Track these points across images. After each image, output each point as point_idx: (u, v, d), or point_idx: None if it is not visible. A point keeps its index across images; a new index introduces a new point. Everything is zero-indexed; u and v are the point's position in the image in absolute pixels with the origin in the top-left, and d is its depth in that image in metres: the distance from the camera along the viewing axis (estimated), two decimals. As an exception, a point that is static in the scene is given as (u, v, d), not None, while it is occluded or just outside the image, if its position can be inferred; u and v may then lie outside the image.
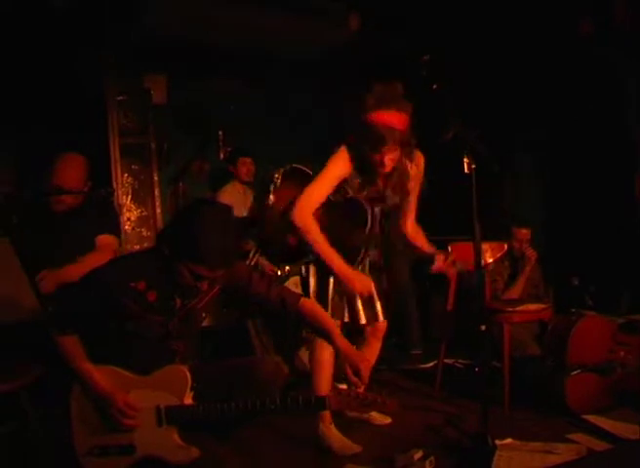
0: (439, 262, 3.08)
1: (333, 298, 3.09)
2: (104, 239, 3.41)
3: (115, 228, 3.59)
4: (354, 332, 3.32)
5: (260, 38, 5.18)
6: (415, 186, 3.20)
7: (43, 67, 4.76)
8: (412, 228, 3.33)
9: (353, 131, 3.01)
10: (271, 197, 3.20)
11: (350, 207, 3.07)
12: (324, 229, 2.99)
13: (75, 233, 3.34)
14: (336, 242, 3.00)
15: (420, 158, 3.18)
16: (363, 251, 3.15)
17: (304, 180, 3.12)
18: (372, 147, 2.92)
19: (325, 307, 2.98)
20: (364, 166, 3.00)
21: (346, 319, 3.11)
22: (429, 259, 3.10)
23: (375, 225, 3.13)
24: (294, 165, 3.31)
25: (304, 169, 3.27)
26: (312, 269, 3.14)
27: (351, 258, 3.09)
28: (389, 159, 2.95)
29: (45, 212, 3.35)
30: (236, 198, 5.03)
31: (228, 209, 2.50)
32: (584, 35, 4.66)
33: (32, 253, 3.12)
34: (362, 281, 3.02)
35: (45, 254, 3.22)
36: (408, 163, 3.11)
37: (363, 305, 3.14)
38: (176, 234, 2.34)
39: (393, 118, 2.89)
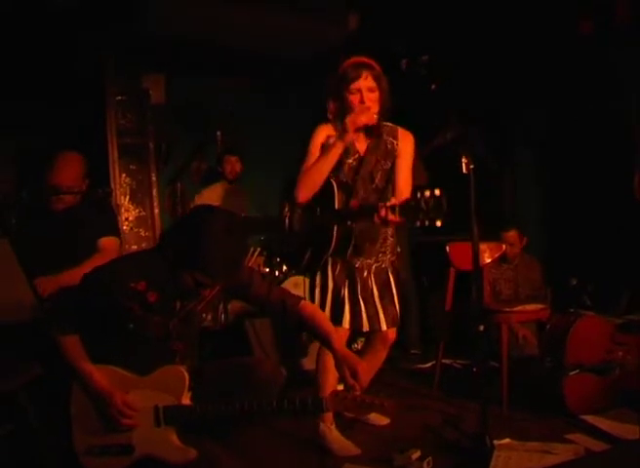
0: (381, 211, 2.67)
1: (332, 304, 3.08)
2: (107, 241, 3.42)
3: (115, 229, 3.59)
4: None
5: (259, 37, 5.18)
6: (402, 161, 3.15)
7: (42, 67, 4.76)
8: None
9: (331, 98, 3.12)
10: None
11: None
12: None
13: (74, 233, 3.35)
14: None
15: (406, 135, 3.18)
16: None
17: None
18: (347, 83, 3.00)
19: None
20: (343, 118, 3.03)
21: (346, 325, 3.08)
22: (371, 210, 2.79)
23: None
24: None
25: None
26: (318, 279, 3.13)
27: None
28: (367, 91, 3.00)
29: (43, 211, 3.35)
30: (218, 198, 5.04)
31: (234, 217, 2.50)
32: (585, 34, 4.66)
33: (31, 252, 3.12)
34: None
35: (43, 254, 3.22)
36: (391, 140, 3.13)
37: (366, 312, 3.12)
38: (180, 242, 2.33)
39: (362, 58, 3.05)
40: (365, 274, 3.13)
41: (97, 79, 5.09)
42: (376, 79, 3.01)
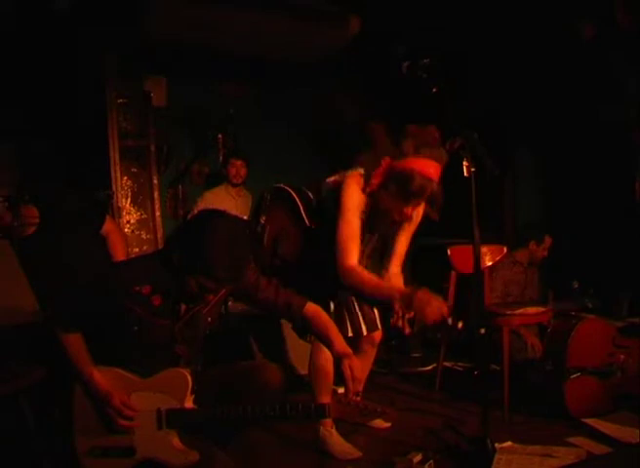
0: (395, 316, 2.73)
1: (336, 316, 3.05)
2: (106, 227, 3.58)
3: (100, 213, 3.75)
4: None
5: (260, 41, 5.18)
6: (410, 228, 3.15)
7: (44, 70, 4.76)
8: (392, 274, 3.17)
9: (384, 174, 2.89)
10: (262, 217, 3.16)
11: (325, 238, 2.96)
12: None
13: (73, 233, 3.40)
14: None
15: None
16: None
17: (292, 204, 3.09)
18: (404, 198, 2.83)
19: None
20: (374, 213, 2.92)
21: (350, 334, 3.07)
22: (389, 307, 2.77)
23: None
24: (281, 185, 3.19)
25: (291, 192, 3.14)
26: None
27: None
28: (413, 210, 2.89)
29: None
30: (221, 201, 5.04)
31: (240, 222, 2.49)
32: (588, 39, 4.66)
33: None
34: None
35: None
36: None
37: (363, 317, 3.14)
38: (185, 247, 2.33)
39: (432, 169, 2.80)
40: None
41: (98, 81, 5.09)
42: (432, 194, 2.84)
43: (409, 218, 2.95)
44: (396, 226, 3.06)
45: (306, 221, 3.04)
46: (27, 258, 3.06)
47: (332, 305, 3.07)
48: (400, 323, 2.69)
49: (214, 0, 4.74)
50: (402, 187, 2.81)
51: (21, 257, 3.06)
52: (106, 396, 2.37)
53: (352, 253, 2.85)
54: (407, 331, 2.69)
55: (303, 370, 4.02)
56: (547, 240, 4.65)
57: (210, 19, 4.81)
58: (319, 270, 2.96)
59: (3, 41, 4.50)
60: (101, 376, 2.40)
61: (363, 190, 2.92)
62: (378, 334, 3.30)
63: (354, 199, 2.90)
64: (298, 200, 3.08)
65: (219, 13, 4.79)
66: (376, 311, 3.20)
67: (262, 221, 3.09)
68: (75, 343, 2.41)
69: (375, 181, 2.90)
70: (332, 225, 2.92)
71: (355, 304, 3.13)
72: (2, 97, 4.66)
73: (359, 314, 3.13)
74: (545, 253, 4.65)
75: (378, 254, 3.16)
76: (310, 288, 2.77)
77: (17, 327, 2.88)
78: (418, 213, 3.02)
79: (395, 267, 3.19)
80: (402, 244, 3.19)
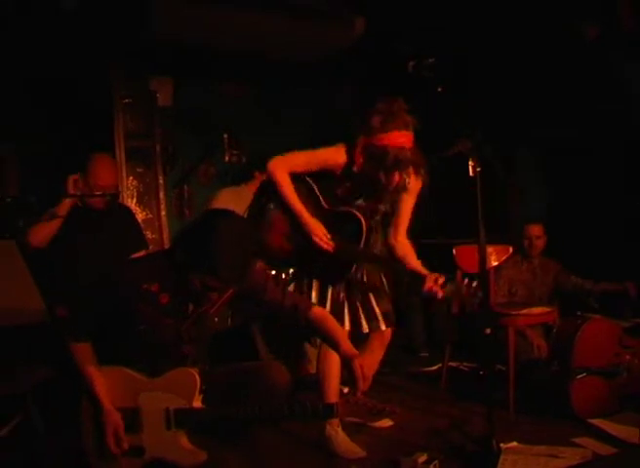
0: (429, 283, 2.86)
1: (332, 307, 3.09)
2: None
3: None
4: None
5: (264, 41, 5.19)
6: (409, 199, 3.19)
7: (49, 70, 4.77)
8: (401, 243, 3.25)
9: (363, 152, 2.99)
10: (272, 204, 3.19)
11: (345, 220, 3.06)
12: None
13: (113, 232, 3.52)
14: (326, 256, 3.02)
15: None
16: (355, 266, 3.13)
17: (309, 188, 3.14)
18: (386, 170, 2.92)
19: None
20: (365, 182, 3.02)
21: (347, 327, 3.09)
22: (420, 279, 2.91)
23: (368, 240, 3.08)
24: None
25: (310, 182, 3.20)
26: (315, 284, 3.14)
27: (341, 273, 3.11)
28: (400, 176, 2.97)
29: (80, 211, 3.45)
30: (238, 200, 5.02)
31: (245, 222, 2.50)
32: (591, 40, 4.66)
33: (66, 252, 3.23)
34: (318, 230, 3.00)
35: (83, 253, 3.35)
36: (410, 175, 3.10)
37: (364, 313, 3.16)
38: (190, 246, 2.34)
39: (403, 138, 2.88)
40: (359, 275, 3.17)
41: (104, 82, 5.11)
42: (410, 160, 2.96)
43: (400, 184, 3.01)
44: (396, 194, 3.12)
45: (324, 203, 3.12)
46: (41, 265, 3.08)
47: (342, 293, 3.13)
48: (433, 288, 2.82)
49: (214, 0, 4.74)
50: (380, 162, 2.92)
51: (33, 265, 3.07)
52: (105, 413, 2.37)
53: (286, 166, 3.06)
54: (440, 294, 2.81)
55: (304, 372, 4.05)
56: (533, 229, 4.54)
57: (210, 20, 4.82)
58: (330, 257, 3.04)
59: (8, 41, 4.51)
60: (108, 378, 2.40)
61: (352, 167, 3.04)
62: (387, 335, 3.30)
63: (330, 154, 3.09)
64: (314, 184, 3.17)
65: (219, 13, 4.79)
66: (378, 310, 3.21)
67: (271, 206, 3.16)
68: (84, 352, 2.41)
69: (358, 160, 3.01)
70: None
71: (372, 299, 3.17)
72: (7, 98, 4.67)
73: (376, 309, 3.17)
74: (540, 244, 4.56)
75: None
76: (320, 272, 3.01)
77: (20, 327, 2.88)
78: (413, 184, 3.08)
79: (402, 236, 3.26)
80: (404, 214, 3.24)
